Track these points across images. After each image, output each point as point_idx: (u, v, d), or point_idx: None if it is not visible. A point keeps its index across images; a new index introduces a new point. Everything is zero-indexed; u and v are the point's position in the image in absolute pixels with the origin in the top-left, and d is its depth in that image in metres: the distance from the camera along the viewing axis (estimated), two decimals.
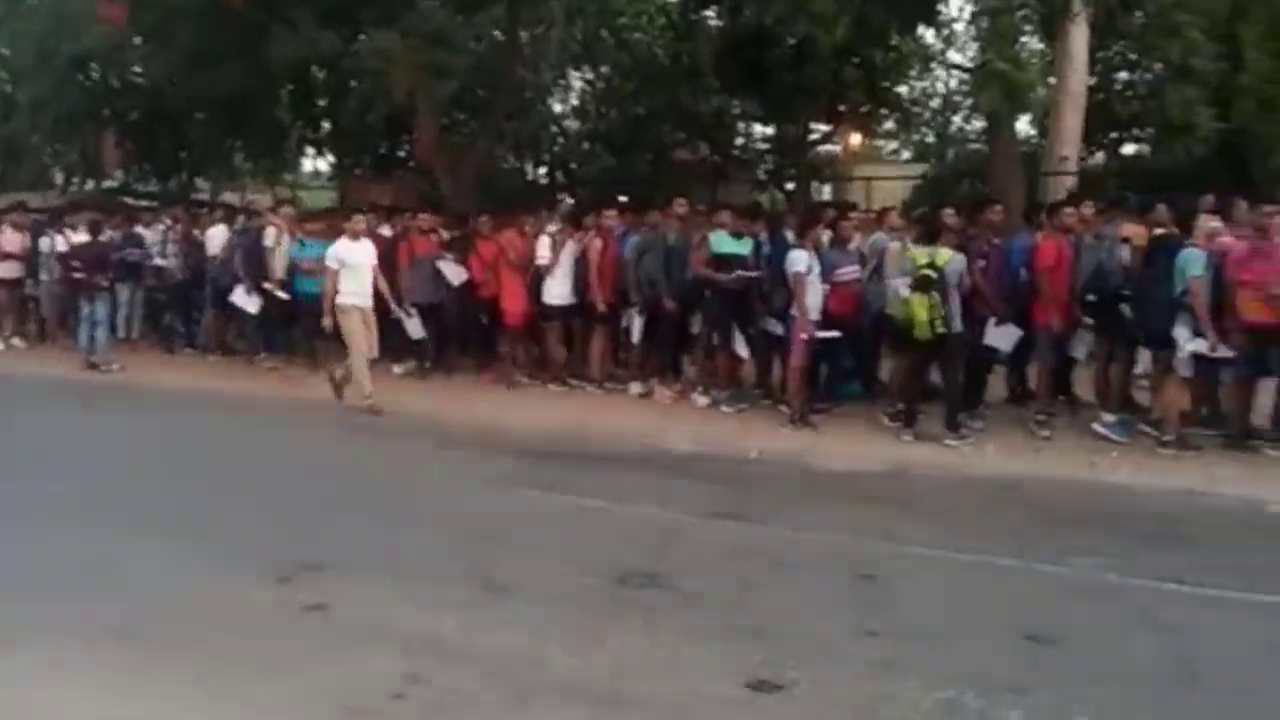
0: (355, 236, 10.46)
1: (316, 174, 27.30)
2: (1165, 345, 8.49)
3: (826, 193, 21.80)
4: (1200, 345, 8.25)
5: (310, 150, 24.69)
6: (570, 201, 12.19)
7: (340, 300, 10.23)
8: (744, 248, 9.99)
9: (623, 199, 13.33)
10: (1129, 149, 19.28)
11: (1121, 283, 8.86)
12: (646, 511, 7.00)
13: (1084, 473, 8.06)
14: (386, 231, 12.63)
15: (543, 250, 11.02)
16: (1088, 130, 15.54)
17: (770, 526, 6.76)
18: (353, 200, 16.78)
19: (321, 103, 21.54)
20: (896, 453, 8.60)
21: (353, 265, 10.27)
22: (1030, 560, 6.09)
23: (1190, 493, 7.56)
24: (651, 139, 19.49)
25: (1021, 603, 5.46)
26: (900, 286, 9.05)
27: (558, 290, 11.07)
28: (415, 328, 11.67)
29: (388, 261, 11.35)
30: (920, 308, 8.66)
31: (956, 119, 24.01)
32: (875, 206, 13.35)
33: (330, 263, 10.32)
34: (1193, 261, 8.23)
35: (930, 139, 24.36)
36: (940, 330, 8.65)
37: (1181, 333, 8.35)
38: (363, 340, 10.24)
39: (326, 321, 10.42)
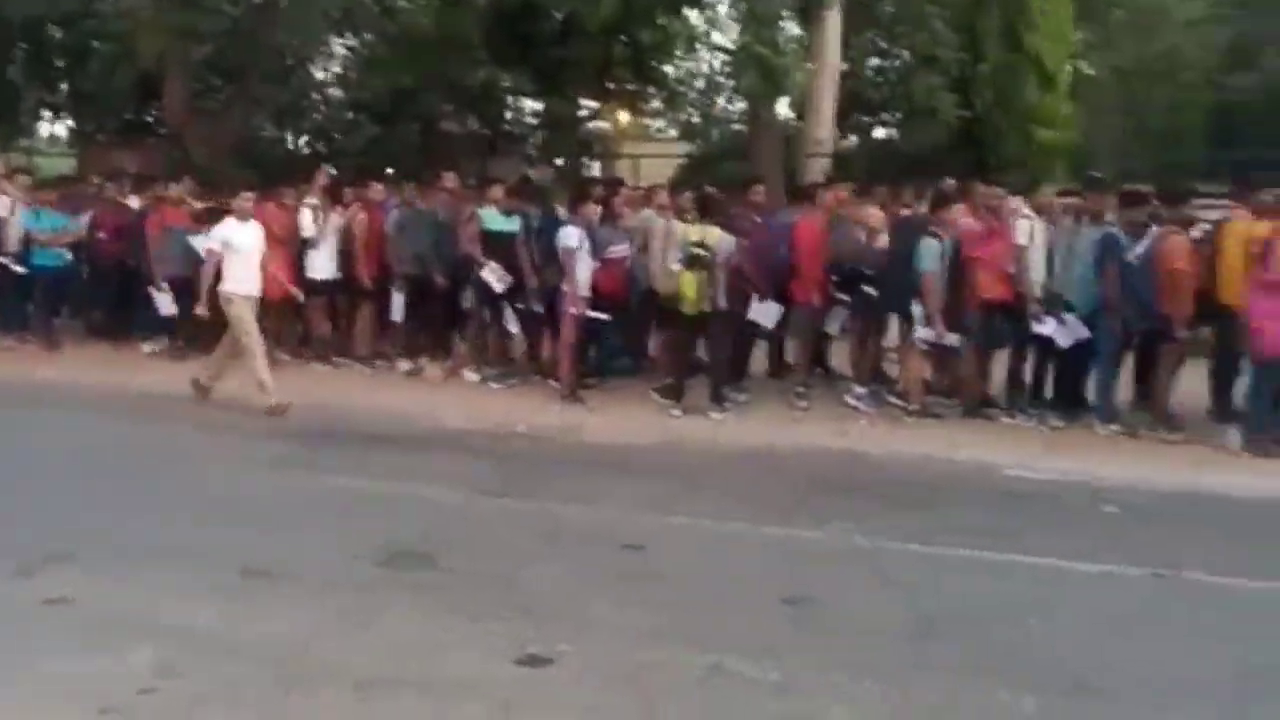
0: (243, 217, 9.40)
1: (54, 140, 25.40)
2: (909, 321, 9.01)
3: (596, 169, 21.94)
4: (929, 334, 8.83)
5: (47, 114, 22.96)
6: (331, 172, 11.77)
7: (226, 289, 9.21)
8: (513, 225, 9.96)
9: (389, 171, 13.03)
10: (880, 133, 20.23)
11: (869, 263, 9.31)
12: (416, 491, 6.91)
13: (838, 442, 8.46)
14: (135, 202, 11.92)
15: (306, 223, 10.66)
16: (842, 114, 16.21)
17: (540, 502, 6.79)
18: (93, 168, 15.67)
19: (60, 64, 20.04)
20: (665, 426, 8.80)
21: (239, 249, 9.27)
22: (789, 527, 6.37)
23: (933, 459, 8.05)
24: (418, 110, 19.07)
25: (781, 568, 5.70)
26: (670, 263, 9.24)
27: (321, 265, 10.74)
28: (166, 303, 11.06)
29: (135, 234, 10.69)
30: (689, 284, 8.87)
31: (720, 100, 24.56)
32: (643, 184, 13.53)
33: (212, 244, 9.32)
34: (927, 255, 8.74)
35: (696, 119, 24.83)
36: (708, 307, 8.90)
37: (918, 313, 8.89)
38: (256, 334, 9.28)
39: (202, 310, 9.43)
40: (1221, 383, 8.68)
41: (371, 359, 10.81)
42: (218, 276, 9.27)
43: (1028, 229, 8.71)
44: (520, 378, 10.24)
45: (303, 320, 11.21)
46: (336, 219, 10.77)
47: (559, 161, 20.60)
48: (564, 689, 4.28)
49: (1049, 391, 9.18)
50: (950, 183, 9.90)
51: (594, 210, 9.64)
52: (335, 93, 22.06)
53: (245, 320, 9.21)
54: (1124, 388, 9.01)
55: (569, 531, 6.25)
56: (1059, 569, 5.81)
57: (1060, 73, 16.34)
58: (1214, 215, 9.03)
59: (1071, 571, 5.77)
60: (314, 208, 10.73)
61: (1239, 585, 5.61)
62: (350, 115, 21.18)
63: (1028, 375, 9.23)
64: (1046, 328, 8.69)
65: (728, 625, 4.90)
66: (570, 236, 9.30)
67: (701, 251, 8.85)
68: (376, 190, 10.97)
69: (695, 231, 9.00)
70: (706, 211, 9.21)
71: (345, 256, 10.71)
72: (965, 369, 9.22)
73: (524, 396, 9.75)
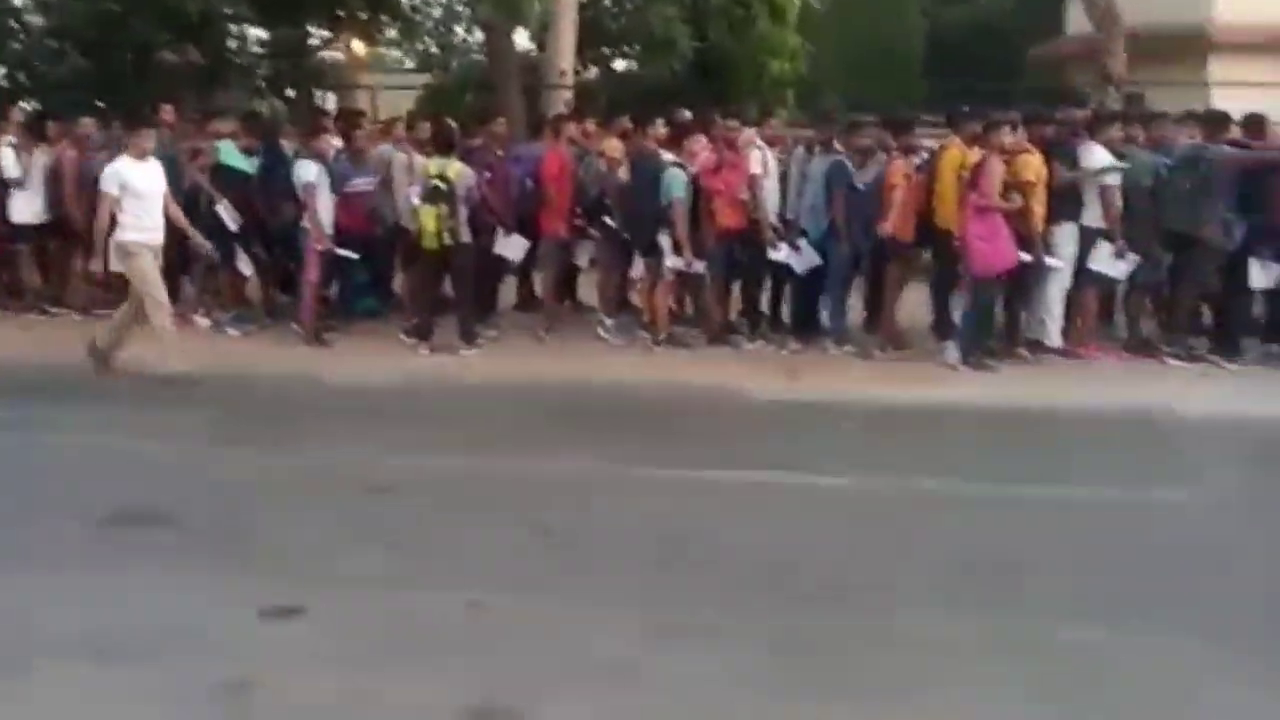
0: (142, 155, 8.22)
1: None
2: (653, 253, 9.14)
3: (331, 101, 21.09)
4: (678, 262, 8.99)
5: None
6: (29, 108, 10.81)
7: (123, 237, 8.07)
8: (252, 166, 9.46)
9: (100, 104, 12.08)
10: (620, 64, 20.33)
11: (612, 195, 9.36)
12: (144, 446, 6.50)
13: (589, 374, 8.53)
14: None
15: (7, 163, 9.76)
16: (582, 45, 16.17)
17: (283, 450, 6.55)
18: None
19: None
20: (413, 366, 8.63)
21: (139, 191, 8.11)
22: (543, 460, 6.38)
23: (680, 386, 8.23)
24: (130, 38, 17.69)
25: (535, 502, 5.70)
26: (411, 198, 9.02)
27: (27, 208, 9.87)
28: None
29: None
30: (430, 219, 8.68)
31: (459, 30, 24.02)
32: (381, 117, 13.11)
33: (108, 187, 8.09)
34: (676, 184, 8.87)
35: (434, 49, 24.20)
36: (449, 242, 8.74)
37: (665, 243, 9.03)
38: (161, 288, 8.17)
39: (96, 265, 8.47)
40: (941, 302, 9.25)
41: (89, 308, 10.03)
42: (113, 224, 8.12)
43: (761, 159, 8.96)
44: (258, 322, 9.79)
45: (8, 268, 10.31)
46: (42, 157, 9.91)
47: (290, 93, 19.66)
48: (313, 642, 4.15)
49: (786, 317, 9.56)
50: (686, 114, 10.06)
51: (329, 143, 9.25)
52: (34, 19, 20.19)
53: (150, 273, 8.11)
54: (855, 310, 9.47)
55: (315, 479, 6.04)
56: (801, 485, 6.06)
57: (789, 6, 16.84)
58: (933, 143, 9.55)
59: (813, 486, 6.05)
60: (14, 146, 9.83)
61: (959, 489, 6.03)
62: (54, 44, 19.46)
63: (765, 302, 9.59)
64: (782, 254, 9.01)
65: (482, 563, 4.87)
66: (309, 171, 8.91)
67: (441, 185, 8.67)
68: (86, 125, 10.14)
69: (435, 165, 8.79)
70: (446, 145, 9.01)
71: (54, 198, 9.89)
72: (708, 297, 9.47)
73: (263, 342, 9.33)
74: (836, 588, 4.69)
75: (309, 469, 6.22)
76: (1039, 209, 8.48)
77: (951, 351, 8.70)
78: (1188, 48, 17.27)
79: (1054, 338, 8.97)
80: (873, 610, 4.47)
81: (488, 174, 9.21)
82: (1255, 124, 9.02)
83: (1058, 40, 19.88)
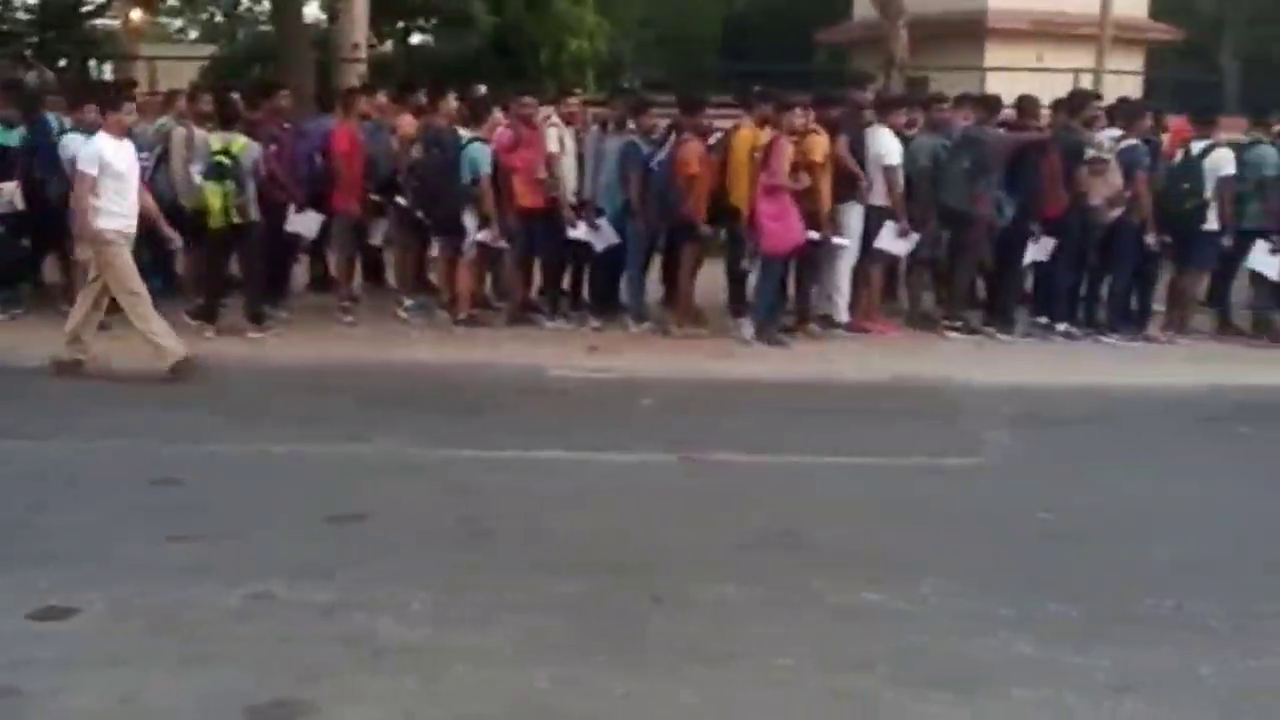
0: (121, 132, 7.50)
1: None
2: (454, 232, 9.02)
3: (107, 72, 19.96)
4: (484, 236, 8.91)
5: None
6: None
7: (103, 225, 7.27)
8: (14, 139, 8.83)
9: None
10: (416, 38, 19.96)
11: (405, 172, 9.17)
12: None
13: (389, 355, 8.37)
14: None
15: None
16: (377, 18, 15.79)
17: (60, 440, 6.19)
18: None
19: None
20: (201, 349, 8.23)
21: (119, 173, 7.34)
22: (338, 444, 6.24)
23: (482, 365, 8.18)
24: None
25: (329, 487, 5.56)
26: (193, 175, 8.62)
27: None
28: None
29: None
30: (214, 196, 8.33)
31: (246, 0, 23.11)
32: (162, 88, 12.48)
33: (87, 168, 7.27)
34: (482, 159, 8.77)
35: (219, 18, 23.23)
36: (236, 219, 8.40)
37: (469, 221, 8.92)
38: (138, 280, 7.44)
39: (84, 254, 7.60)
40: (735, 279, 9.45)
41: None
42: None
43: (557, 137, 8.94)
44: (26, 305, 9.18)
45: None
46: None
47: (62, 64, 18.52)
48: (89, 640, 3.92)
49: (586, 295, 9.60)
50: (482, 90, 9.95)
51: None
52: None
53: (128, 266, 7.42)
54: (653, 287, 9.59)
55: (95, 471, 5.71)
56: (602, 461, 6.14)
57: None
58: (727, 123, 9.74)
59: (612, 462, 6.13)
60: None
61: (755, 461, 6.21)
62: None
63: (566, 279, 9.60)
64: (580, 233, 9.04)
65: (273, 552, 4.71)
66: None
67: (225, 161, 8.32)
68: None
69: (218, 140, 8.43)
70: (228, 118, 8.64)
71: None
72: (508, 276, 9.41)
73: (33, 327, 8.75)
74: (636, 561, 4.74)
75: (89, 460, 5.89)
76: (827, 189, 8.76)
77: (746, 327, 8.92)
78: (966, 33, 18.22)
79: (842, 313, 9.31)
80: (670, 581, 4.54)
81: (273, 148, 8.87)
82: (1026, 107, 9.57)
83: (845, 25, 20.60)
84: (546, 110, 9.22)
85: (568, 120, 9.25)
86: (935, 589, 4.48)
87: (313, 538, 4.91)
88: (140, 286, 7.50)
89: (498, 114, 9.40)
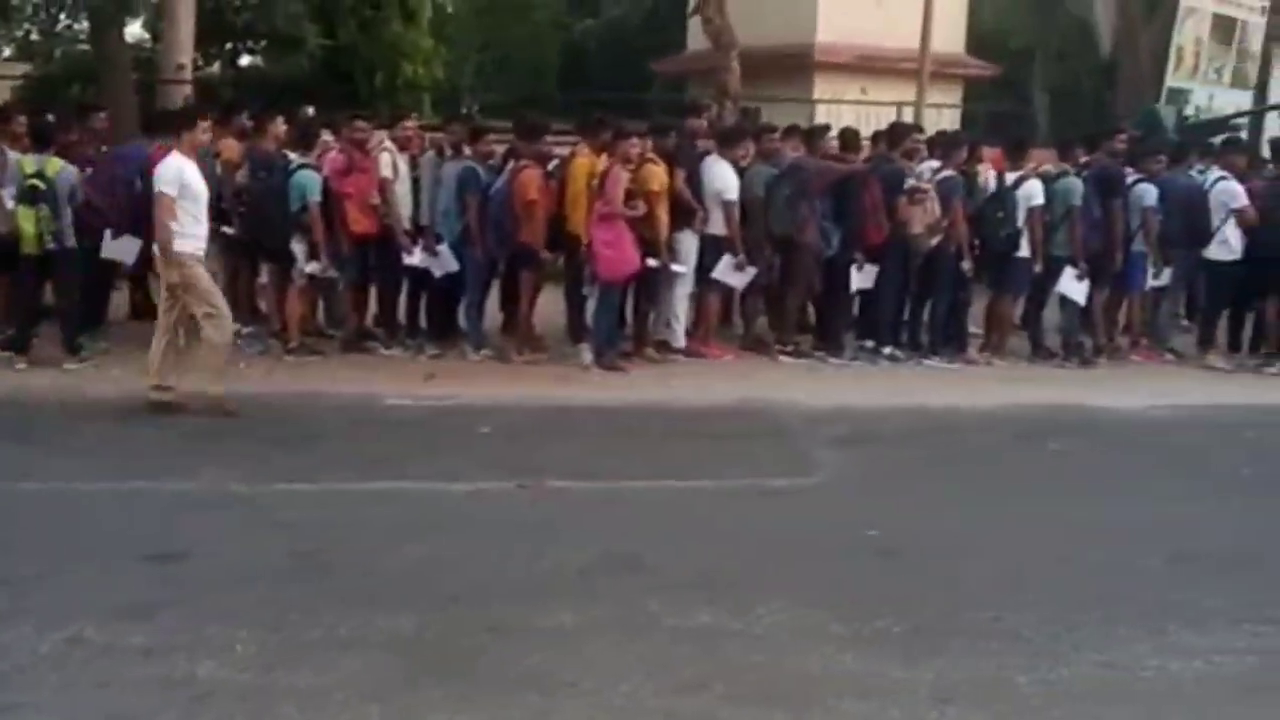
0: (194, 151, 7.30)
1: None
2: (283, 259, 8.80)
3: None
4: (315, 267, 8.74)
5: None
6: None
7: (182, 248, 7.05)
8: None
9: None
10: (245, 60, 19.44)
11: (228, 198, 8.91)
12: None
13: (215, 386, 8.01)
14: None
15: None
16: (204, 38, 15.31)
17: None
18: None
19: None
20: (11, 382, 7.84)
21: (196, 194, 7.16)
22: (159, 480, 6.00)
23: (315, 395, 7.98)
24: None
25: (148, 525, 5.35)
26: (4, 199, 8.19)
27: None
28: None
29: None
30: (28, 221, 7.95)
31: (63, 16, 22.08)
32: None
33: (168, 189, 7.04)
34: (312, 186, 8.60)
35: (35, 36, 22.13)
36: (51, 245, 8.03)
37: (299, 249, 8.73)
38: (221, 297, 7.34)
39: (174, 276, 7.16)
40: (574, 305, 9.48)
41: None
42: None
43: (390, 162, 8.84)
44: None
45: None
46: None
47: None
48: None
49: (424, 322, 9.49)
50: (310, 113, 9.77)
51: None
52: None
53: (213, 289, 7.33)
54: (492, 314, 9.55)
55: None
56: (437, 491, 6.07)
57: (422, 9, 16.70)
58: (566, 150, 9.78)
59: (448, 492, 6.06)
60: None
61: (594, 487, 6.23)
62: None
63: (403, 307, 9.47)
64: (417, 259, 8.94)
65: (87, 593, 4.49)
66: None
67: (39, 184, 7.94)
68: None
69: (31, 162, 8.04)
70: (42, 140, 8.25)
71: None
72: (342, 304, 9.23)
73: None
74: (473, 592, 4.70)
75: None
76: (664, 217, 8.89)
77: (585, 353, 8.96)
78: (795, 66, 18.76)
79: (679, 338, 9.45)
80: (508, 609, 4.51)
81: (89, 171, 8.50)
82: (846, 139, 9.91)
83: (681, 56, 20.97)
84: (380, 135, 9.10)
85: (403, 145, 9.15)
86: (769, 608, 4.56)
87: (130, 577, 4.70)
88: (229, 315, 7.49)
89: (328, 138, 9.24)
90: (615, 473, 6.47)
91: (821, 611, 4.56)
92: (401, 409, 7.80)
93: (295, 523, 5.45)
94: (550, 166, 9.20)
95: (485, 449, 7.05)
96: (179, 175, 7.17)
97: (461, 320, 9.31)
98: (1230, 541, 5.68)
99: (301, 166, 8.68)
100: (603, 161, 8.80)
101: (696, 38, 18.74)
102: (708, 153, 9.40)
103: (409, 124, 9.60)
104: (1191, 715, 3.89)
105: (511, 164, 8.97)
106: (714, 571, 5.03)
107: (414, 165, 9.13)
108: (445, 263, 8.99)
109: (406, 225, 8.94)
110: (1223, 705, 3.96)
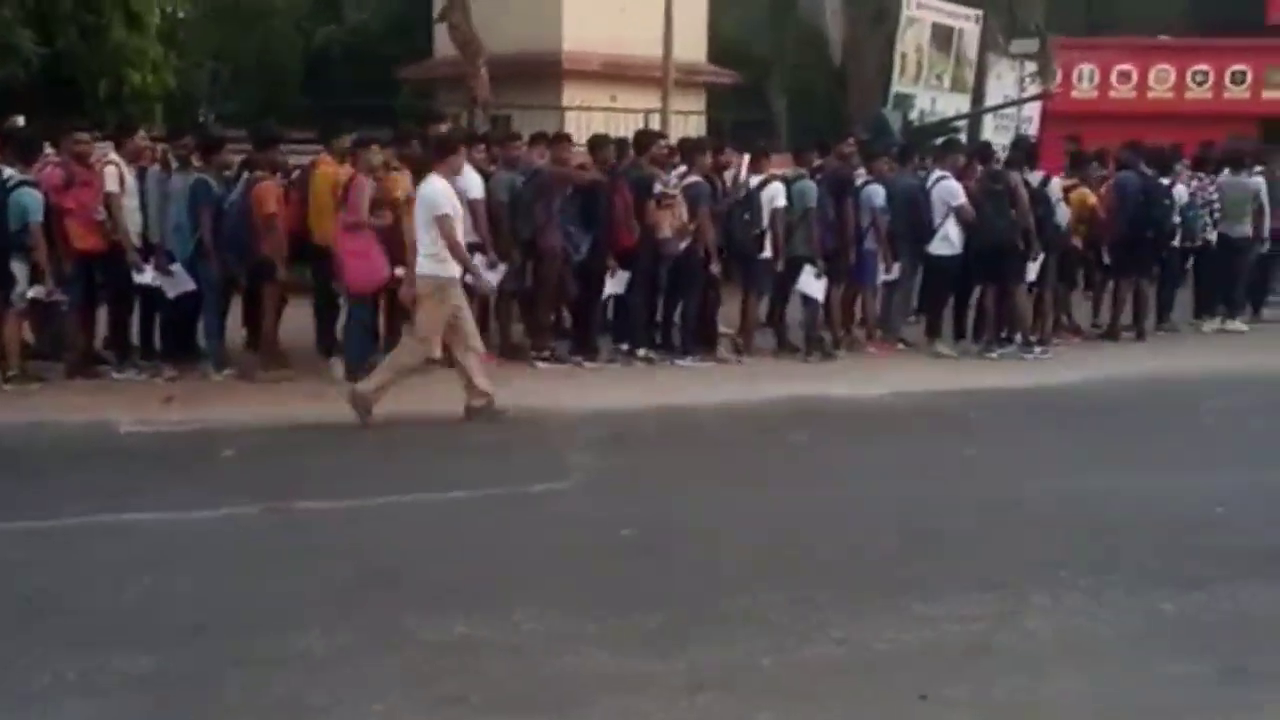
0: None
1: None
2: (2, 282, 8.22)
3: None
4: (39, 291, 8.20)
5: None
6: None
7: (439, 272, 7.61)
8: None
9: None
10: None
11: None
12: None
13: None
14: None
15: None
16: None
17: None
18: None
19: None
20: None
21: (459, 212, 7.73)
22: None
23: (40, 425, 7.50)
24: None
25: None
26: None
27: None
28: None
29: None
30: None
31: None
32: None
33: (449, 209, 7.55)
34: (30, 203, 8.08)
35: None
36: None
37: (19, 270, 8.18)
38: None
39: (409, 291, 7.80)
40: (324, 318, 9.23)
41: None
42: None
43: (117, 175, 8.38)
44: None
45: None
46: None
47: None
48: None
49: (159, 342, 9.03)
50: (20, 122, 9.17)
51: None
52: None
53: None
54: (234, 331, 9.17)
55: None
56: (179, 521, 5.79)
57: (149, 14, 15.81)
58: (307, 160, 9.50)
59: (190, 520, 5.79)
60: None
61: (346, 506, 6.08)
62: None
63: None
64: (148, 278, 8.52)
65: None
66: None
67: None
68: None
69: None
70: None
71: None
72: (68, 327, 8.68)
73: None
74: (218, 623, 4.50)
75: None
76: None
77: (337, 367, 8.74)
78: (544, 74, 18.86)
79: (435, 349, 9.30)
80: (256, 638, 4.35)
81: None
82: (594, 145, 10.06)
83: (429, 63, 20.72)
84: (104, 147, 8.60)
85: (133, 158, 8.67)
86: (526, 614, 4.57)
87: None
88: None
89: (50, 151, 8.67)
90: (369, 489, 6.34)
91: (578, 613, 4.61)
92: (138, 436, 7.42)
93: (18, 563, 5.10)
94: (292, 176, 8.92)
95: (230, 473, 6.77)
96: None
97: (201, 339, 8.91)
98: (959, 518, 6.08)
99: (21, 184, 8.11)
100: (346, 170, 8.61)
101: (444, 45, 18.59)
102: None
103: (140, 135, 9.12)
104: (918, 678, 4.14)
105: (247, 175, 8.65)
106: (471, 581, 5.01)
107: (142, 179, 8.67)
108: (180, 282, 8.59)
109: (136, 242, 8.47)
110: (946, 668, 4.24)
